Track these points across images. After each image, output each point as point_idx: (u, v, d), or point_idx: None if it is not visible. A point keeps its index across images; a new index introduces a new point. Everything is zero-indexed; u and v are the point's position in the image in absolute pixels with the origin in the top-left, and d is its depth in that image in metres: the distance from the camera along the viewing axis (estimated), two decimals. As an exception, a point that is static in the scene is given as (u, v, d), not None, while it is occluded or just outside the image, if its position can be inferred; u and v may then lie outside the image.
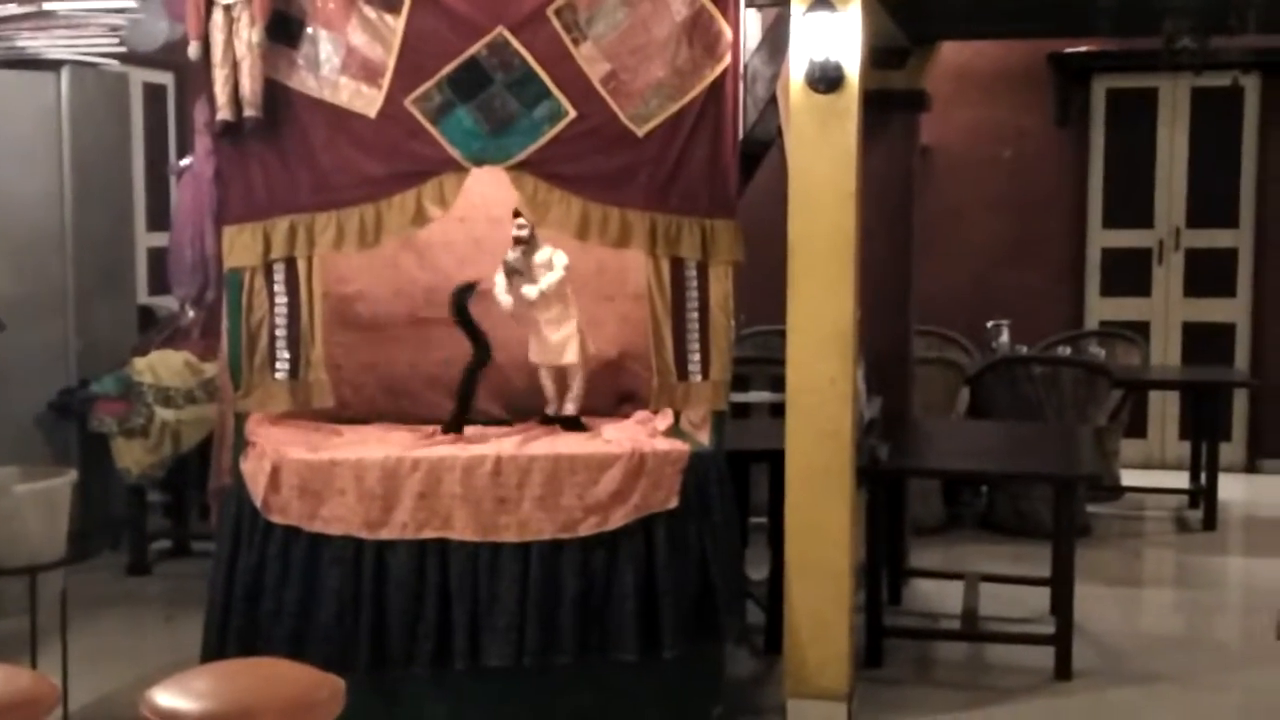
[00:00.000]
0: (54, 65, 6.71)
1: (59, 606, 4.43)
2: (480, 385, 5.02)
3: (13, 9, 6.62)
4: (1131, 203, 9.35)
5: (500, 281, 4.90)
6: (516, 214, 4.83)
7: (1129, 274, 9.38)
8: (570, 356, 4.91)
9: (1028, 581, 6.17)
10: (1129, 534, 7.80)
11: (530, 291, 4.85)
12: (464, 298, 4.87)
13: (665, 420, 4.96)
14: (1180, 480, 8.36)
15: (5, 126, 6.52)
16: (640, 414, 5.05)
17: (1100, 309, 9.44)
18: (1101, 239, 9.46)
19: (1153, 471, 8.90)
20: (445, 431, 4.83)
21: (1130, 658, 5.70)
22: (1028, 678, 5.40)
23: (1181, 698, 5.29)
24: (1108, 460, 7.89)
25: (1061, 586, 5.49)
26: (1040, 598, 5.97)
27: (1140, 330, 9.05)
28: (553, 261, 4.86)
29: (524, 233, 4.84)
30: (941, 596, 6.18)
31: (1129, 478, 8.34)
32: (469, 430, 4.91)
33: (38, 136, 6.67)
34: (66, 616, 4.38)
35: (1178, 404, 9.21)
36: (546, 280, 4.85)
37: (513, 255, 4.87)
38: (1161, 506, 8.23)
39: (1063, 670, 5.37)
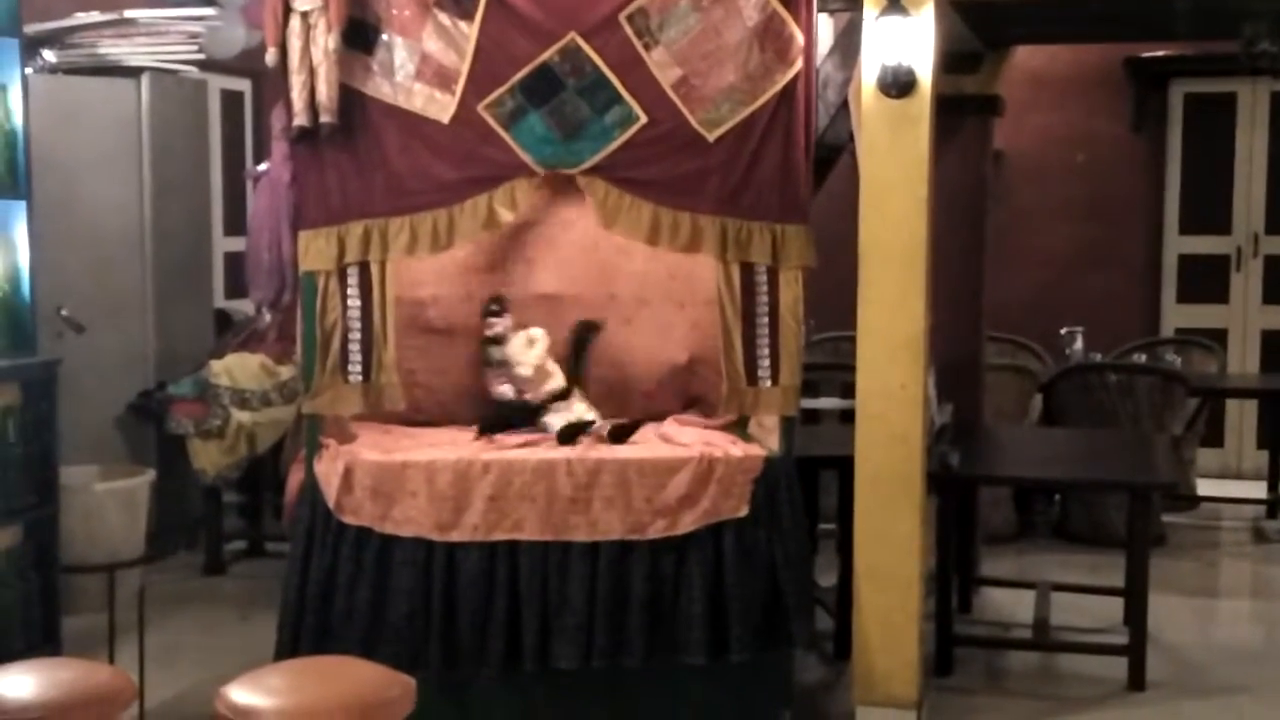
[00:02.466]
0: (134, 72, 6.82)
1: (137, 604, 4.50)
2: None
3: (95, 17, 6.74)
4: (1209, 208, 9.23)
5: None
6: (489, 313, 4.93)
7: (1206, 280, 9.25)
8: (589, 415, 4.93)
9: (1101, 591, 6.10)
10: (1205, 544, 7.69)
11: (524, 370, 4.91)
12: (588, 336, 4.97)
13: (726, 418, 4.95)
14: (1258, 490, 8.24)
15: (87, 132, 6.64)
16: (679, 417, 5.03)
17: (1176, 316, 9.32)
18: (1178, 245, 9.34)
19: (1229, 481, 8.78)
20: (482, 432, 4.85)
21: (1205, 670, 5.62)
22: (1100, 688, 5.34)
23: (1257, 711, 5.21)
24: (1184, 469, 7.79)
25: (1136, 596, 5.43)
26: (1114, 608, 5.91)
27: (1217, 338, 8.93)
28: (532, 338, 4.92)
29: (497, 330, 4.92)
30: (1013, 605, 6.13)
31: (1205, 487, 8.23)
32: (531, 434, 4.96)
33: (118, 142, 6.79)
34: (144, 614, 4.45)
35: (1255, 413, 9.07)
36: (534, 352, 4.90)
37: (496, 353, 4.93)
38: (1238, 516, 8.11)
39: (1136, 681, 5.31)
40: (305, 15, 4.58)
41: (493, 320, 4.96)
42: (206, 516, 6.86)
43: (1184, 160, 9.29)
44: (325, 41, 4.57)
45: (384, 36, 4.66)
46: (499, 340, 4.94)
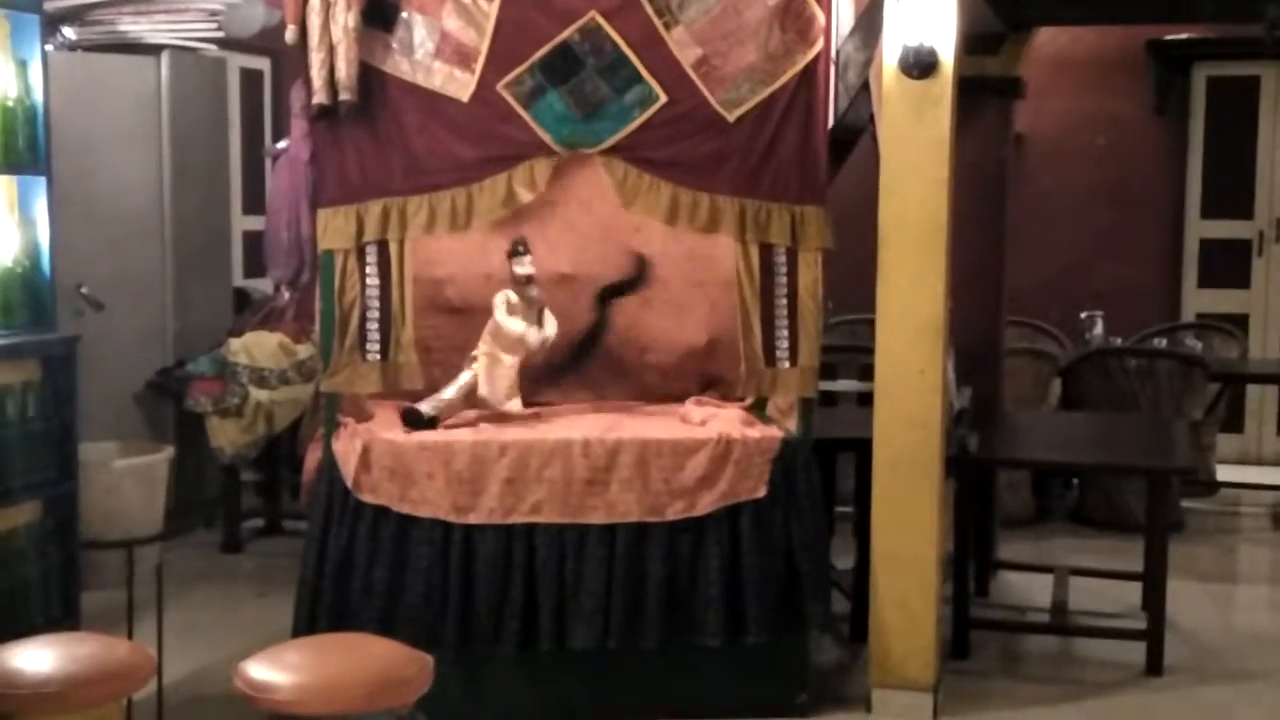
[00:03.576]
0: (154, 50, 6.82)
1: (155, 580, 4.50)
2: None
3: (115, -6, 6.74)
4: (1231, 193, 9.17)
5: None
6: (518, 253, 4.81)
7: (1227, 265, 9.20)
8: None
9: (1119, 576, 6.08)
10: (1224, 530, 7.66)
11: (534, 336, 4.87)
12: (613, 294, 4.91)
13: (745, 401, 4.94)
14: (1278, 476, 8.20)
15: (106, 110, 6.64)
16: (697, 399, 5.02)
17: (1197, 301, 9.27)
18: (1200, 229, 9.28)
19: (1249, 467, 8.73)
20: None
21: (1223, 655, 5.60)
22: (1118, 673, 5.32)
23: (1275, 696, 5.19)
24: (1203, 455, 7.75)
25: (1154, 581, 5.41)
26: (1132, 593, 5.89)
27: (1239, 323, 8.88)
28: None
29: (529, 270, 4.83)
30: (1030, 589, 6.11)
31: (1225, 473, 8.18)
32: (552, 411, 4.95)
33: (137, 120, 6.80)
34: (162, 590, 4.46)
35: (1276, 399, 9.02)
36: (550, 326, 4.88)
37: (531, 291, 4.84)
38: (1258, 503, 8.08)
39: (1154, 666, 5.29)
40: (325, -7, 4.57)
41: (523, 258, 4.82)
42: (224, 494, 6.88)
43: (1206, 144, 9.23)
44: (345, 19, 4.56)
45: (404, 14, 4.65)
46: (531, 280, 4.83)
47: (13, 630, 4.39)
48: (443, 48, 4.64)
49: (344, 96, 4.60)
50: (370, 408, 4.90)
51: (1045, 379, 7.55)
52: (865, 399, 5.42)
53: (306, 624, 4.58)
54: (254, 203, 8.24)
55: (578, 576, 4.56)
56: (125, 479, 6.16)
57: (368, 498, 4.61)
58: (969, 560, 5.61)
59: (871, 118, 5.18)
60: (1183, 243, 9.30)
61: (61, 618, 5.32)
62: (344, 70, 4.58)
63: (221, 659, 4.88)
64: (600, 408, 5.08)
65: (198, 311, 7.06)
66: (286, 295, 6.55)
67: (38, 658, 3.55)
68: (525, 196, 4.72)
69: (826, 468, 5.35)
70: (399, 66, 4.67)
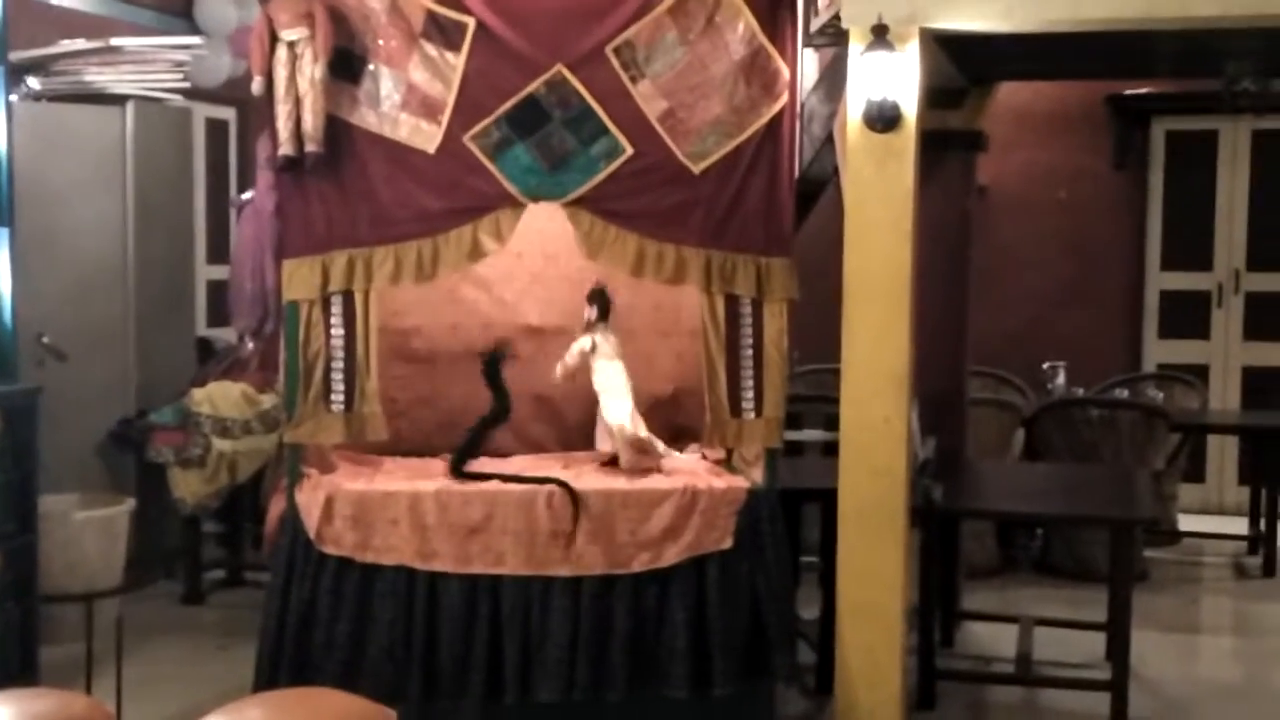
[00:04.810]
0: (120, 100, 6.82)
1: (115, 633, 4.46)
2: (533, 419, 5.03)
3: (81, 44, 6.73)
4: (1191, 245, 9.28)
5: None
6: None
7: (1188, 316, 9.29)
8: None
9: (1083, 626, 6.10)
10: (1187, 580, 7.69)
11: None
12: (497, 361, 4.85)
13: (717, 455, 4.95)
14: (1239, 526, 8.24)
15: (71, 159, 6.63)
16: (694, 446, 5.04)
17: (1158, 351, 9.36)
18: (1160, 281, 9.38)
19: (1211, 517, 8.78)
20: (452, 474, 4.75)
21: (1187, 706, 5.61)
22: (1082, 724, 5.33)
23: (1240, 747, 5.21)
24: (1165, 504, 7.80)
25: (1118, 632, 5.42)
26: (1096, 643, 5.90)
27: (1199, 373, 8.96)
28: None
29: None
30: (995, 640, 6.12)
31: (1187, 523, 8.23)
32: (520, 461, 4.92)
33: (102, 170, 6.78)
34: (122, 643, 4.41)
35: (1236, 449, 9.09)
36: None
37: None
38: (1220, 552, 8.12)
39: (1118, 717, 5.30)
40: (292, 45, 4.59)
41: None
42: (186, 545, 6.82)
43: (1166, 197, 9.35)
44: (312, 71, 4.57)
45: (370, 66, 4.66)
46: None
47: (-31, 685, 4.33)
48: (409, 100, 4.65)
49: (310, 148, 4.60)
50: (334, 459, 4.88)
51: (1009, 429, 7.58)
52: (830, 449, 5.43)
53: (268, 677, 4.54)
54: (218, 252, 8.22)
55: (543, 628, 4.53)
56: (85, 531, 6.10)
57: (330, 549, 4.58)
58: (934, 610, 5.62)
59: (836, 170, 5.22)
60: (1143, 294, 9.40)
61: (19, 672, 5.25)
62: (310, 121, 4.58)
63: (181, 713, 4.83)
64: (566, 460, 5.07)
65: (161, 361, 7.02)
66: (250, 345, 6.52)
67: (-6, 713, 3.50)
68: (491, 247, 4.72)
69: (792, 518, 5.35)
70: (365, 118, 4.67)
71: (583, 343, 4.91)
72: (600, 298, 4.90)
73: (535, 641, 4.53)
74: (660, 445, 4.87)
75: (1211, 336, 9.30)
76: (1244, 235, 9.20)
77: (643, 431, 4.82)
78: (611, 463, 4.91)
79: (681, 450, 5.04)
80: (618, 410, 4.81)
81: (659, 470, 4.81)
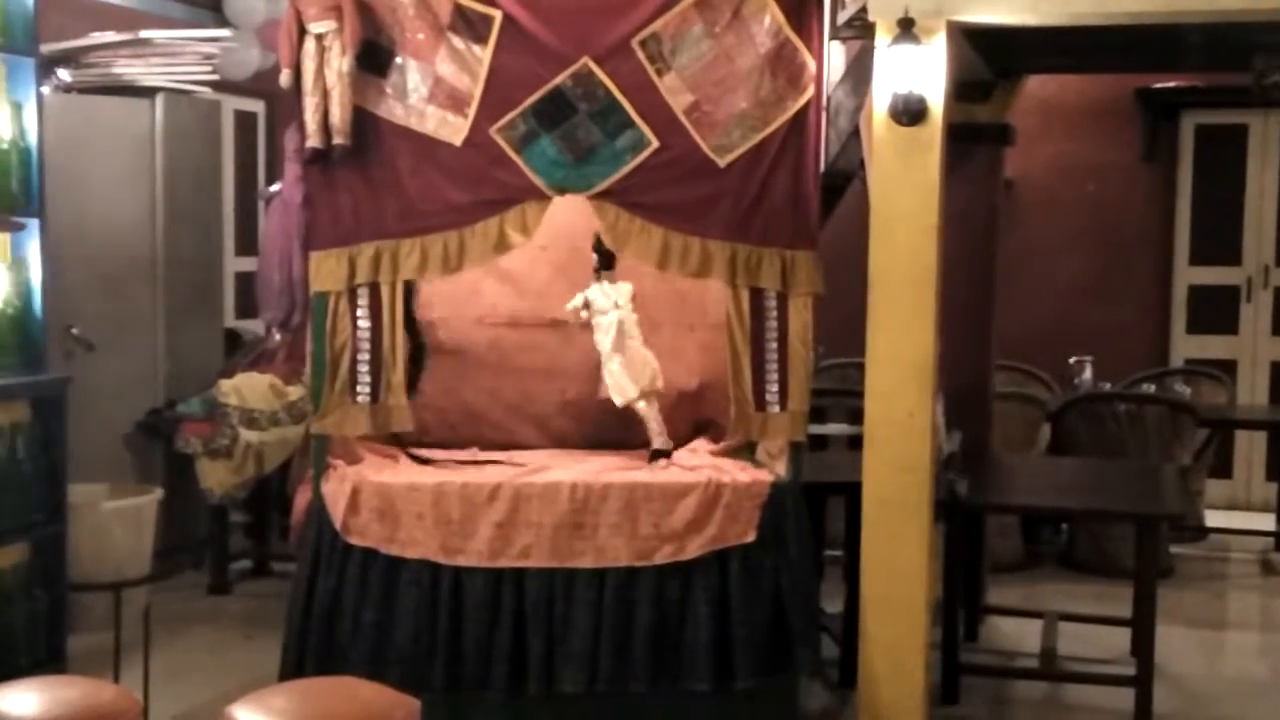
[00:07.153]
0: (149, 92, 6.85)
1: (142, 623, 4.50)
2: (558, 413, 5.06)
3: (110, 36, 6.77)
4: (1219, 239, 9.22)
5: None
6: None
7: (1216, 311, 9.24)
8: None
9: (1108, 621, 6.08)
10: (1213, 576, 7.66)
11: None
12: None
13: (727, 443, 4.96)
14: (1266, 522, 8.20)
15: (100, 151, 6.67)
16: (700, 440, 5.04)
17: (1186, 347, 9.30)
18: (1188, 275, 9.33)
19: (1238, 513, 8.74)
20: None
21: (1212, 702, 5.59)
22: (1107, 719, 5.31)
23: (1265, 744, 5.19)
24: (1192, 500, 7.76)
25: (1143, 627, 5.40)
26: (1121, 639, 5.88)
27: (1227, 369, 8.91)
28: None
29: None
30: (1019, 635, 6.10)
31: (1213, 519, 8.19)
32: (544, 455, 4.94)
33: (131, 161, 6.82)
34: (150, 632, 4.45)
35: (1265, 444, 9.04)
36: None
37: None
38: (1246, 548, 8.08)
39: (1143, 713, 5.28)
40: (320, 37, 4.61)
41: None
42: (213, 536, 6.86)
43: (1194, 191, 9.29)
44: (339, 64, 4.59)
45: (398, 59, 4.68)
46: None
47: (-2, 673, 4.38)
48: (436, 92, 4.67)
49: (337, 140, 4.62)
50: (360, 450, 4.90)
51: (1034, 423, 7.56)
52: (855, 442, 5.43)
53: (294, 667, 4.57)
54: (247, 244, 8.26)
55: (567, 620, 4.55)
56: (114, 521, 6.15)
57: (356, 540, 4.61)
58: (958, 605, 5.61)
59: (862, 163, 5.21)
60: (1171, 288, 9.35)
61: (48, 661, 5.30)
62: (338, 114, 4.61)
63: (208, 702, 4.86)
64: (591, 452, 5.08)
65: (189, 352, 7.05)
66: (278, 337, 6.57)
67: (23, 702, 3.53)
68: (517, 240, 4.73)
69: (816, 511, 5.35)
70: (392, 111, 4.69)
71: (576, 301, 4.93)
72: (601, 246, 4.90)
73: (559, 633, 4.54)
74: (655, 425, 4.92)
75: (1240, 332, 9.24)
76: (1273, 230, 9.14)
77: (639, 403, 4.90)
78: (635, 459, 4.93)
79: (690, 443, 5.04)
80: (614, 379, 4.90)
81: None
